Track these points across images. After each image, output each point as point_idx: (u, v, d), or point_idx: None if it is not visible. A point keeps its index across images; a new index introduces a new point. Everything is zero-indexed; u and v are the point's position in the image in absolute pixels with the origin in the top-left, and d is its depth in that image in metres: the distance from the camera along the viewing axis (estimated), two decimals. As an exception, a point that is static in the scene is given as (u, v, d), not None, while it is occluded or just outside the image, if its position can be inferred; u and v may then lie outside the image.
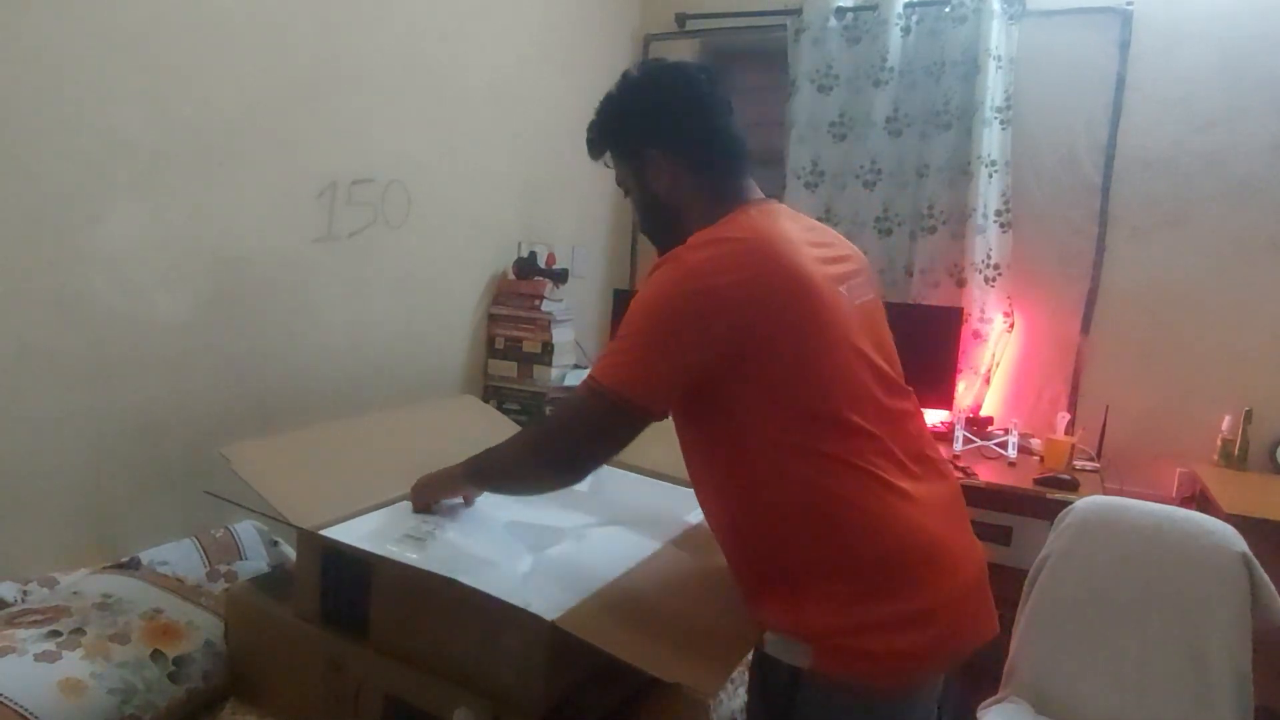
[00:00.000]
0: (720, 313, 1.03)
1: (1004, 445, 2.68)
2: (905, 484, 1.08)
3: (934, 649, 1.07)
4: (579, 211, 3.13)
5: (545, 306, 2.59)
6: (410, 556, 1.20)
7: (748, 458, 1.08)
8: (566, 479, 1.18)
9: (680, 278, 1.06)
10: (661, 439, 1.89)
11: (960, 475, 2.41)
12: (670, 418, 1.16)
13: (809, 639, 1.06)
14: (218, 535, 1.71)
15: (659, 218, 1.23)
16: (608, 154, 1.27)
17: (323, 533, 1.25)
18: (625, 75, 1.24)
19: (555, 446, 1.15)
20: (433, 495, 1.37)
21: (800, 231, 1.14)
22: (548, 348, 2.59)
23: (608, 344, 1.11)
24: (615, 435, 1.09)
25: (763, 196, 1.21)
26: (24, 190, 1.44)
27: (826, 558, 1.06)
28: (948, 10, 2.85)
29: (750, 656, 1.22)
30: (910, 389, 1.20)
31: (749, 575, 1.14)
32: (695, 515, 1.56)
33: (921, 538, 1.07)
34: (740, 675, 1.55)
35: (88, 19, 1.49)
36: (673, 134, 1.18)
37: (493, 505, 1.47)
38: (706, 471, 1.17)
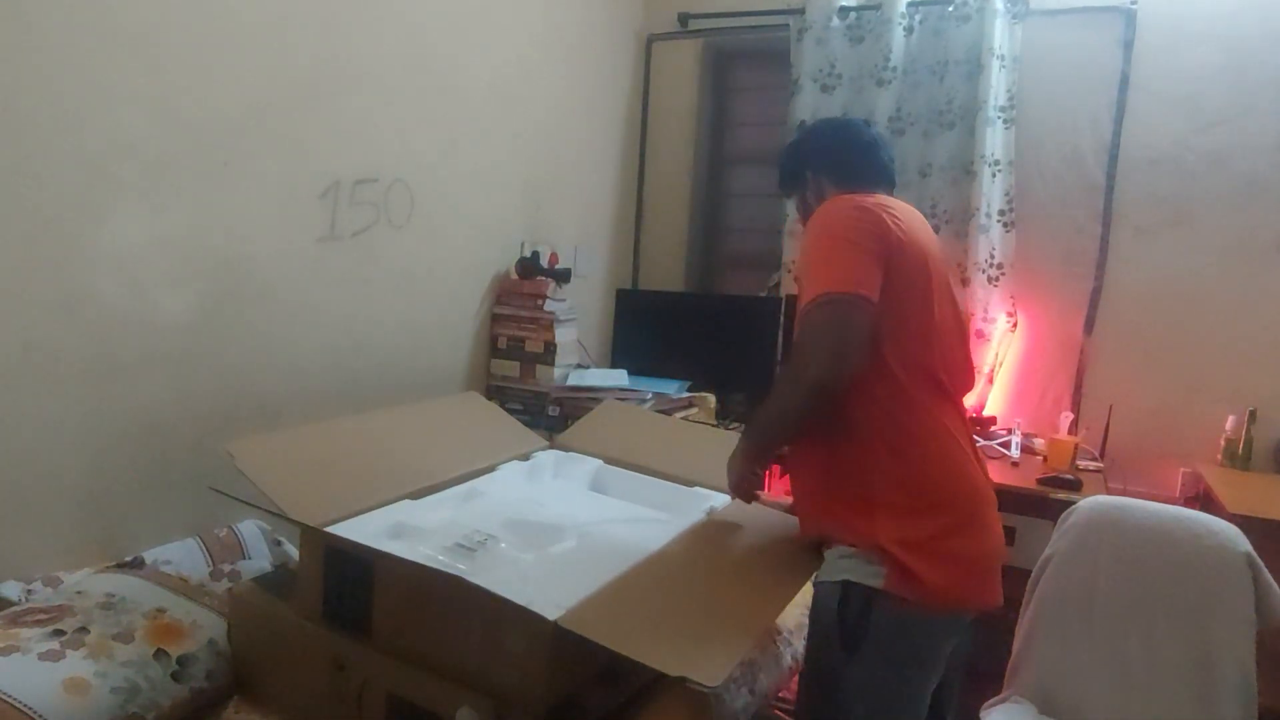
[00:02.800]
0: (879, 226, 1.28)
1: (1007, 445, 2.68)
2: (967, 447, 1.36)
3: (979, 559, 1.31)
4: (582, 211, 3.13)
5: (548, 306, 2.59)
6: (459, 567, 1.21)
7: (866, 374, 1.26)
8: (832, 388, 1.24)
9: (844, 204, 1.33)
10: (662, 439, 1.89)
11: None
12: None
13: (880, 555, 1.26)
14: (221, 535, 1.71)
15: (810, 210, 1.50)
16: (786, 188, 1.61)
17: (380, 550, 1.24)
18: (803, 126, 1.64)
19: (816, 361, 1.22)
20: (745, 482, 1.46)
21: (917, 217, 1.42)
22: (550, 347, 2.59)
23: (807, 271, 1.30)
24: (860, 329, 1.23)
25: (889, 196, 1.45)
26: (28, 191, 1.44)
27: (902, 476, 1.28)
28: (951, 9, 2.84)
29: (811, 593, 1.40)
30: (967, 341, 1.50)
31: (833, 490, 1.34)
32: (697, 514, 1.56)
33: (978, 482, 1.35)
34: (742, 674, 1.55)
35: (91, 20, 1.49)
36: (828, 156, 1.51)
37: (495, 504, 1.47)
38: None
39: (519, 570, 1.25)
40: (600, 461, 1.82)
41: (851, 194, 1.38)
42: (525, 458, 1.81)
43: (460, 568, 1.20)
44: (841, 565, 1.30)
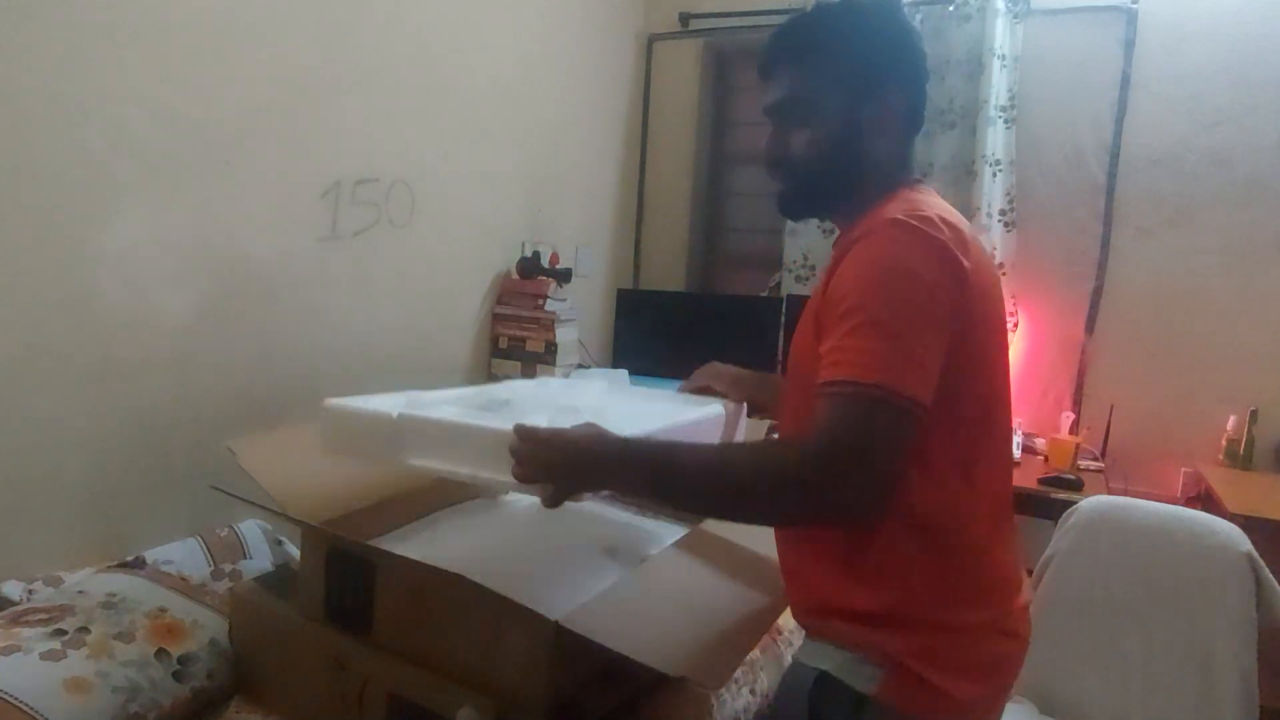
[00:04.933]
0: (961, 284, 0.92)
1: (1008, 445, 2.68)
2: (1008, 526, 1.05)
3: (1008, 661, 1.03)
4: (583, 211, 3.13)
5: (549, 306, 2.59)
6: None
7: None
8: (855, 520, 0.93)
9: (918, 237, 0.92)
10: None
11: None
12: (792, 392, 1.06)
13: (882, 657, 0.96)
14: (222, 534, 1.71)
15: (840, 164, 1.05)
16: (794, 67, 1.06)
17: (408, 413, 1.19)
18: (856, 4, 1.07)
19: (849, 481, 0.86)
20: (569, 483, 1.00)
21: (971, 229, 1.04)
22: (551, 347, 2.59)
23: (842, 340, 0.91)
24: (905, 451, 0.89)
25: (920, 178, 1.11)
26: (30, 191, 1.44)
27: (934, 577, 0.97)
28: (952, 9, 2.84)
29: (784, 673, 1.13)
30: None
31: (834, 587, 1.01)
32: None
33: (1016, 567, 1.06)
34: (743, 675, 1.55)
35: (93, 20, 1.49)
36: (913, 79, 1.06)
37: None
38: None
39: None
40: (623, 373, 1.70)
41: (902, 189, 1.03)
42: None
43: (492, 424, 1.05)
44: (823, 652, 1.01)
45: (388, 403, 1.26)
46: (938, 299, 0.91)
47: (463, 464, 1.07)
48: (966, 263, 0.93)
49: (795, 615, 1.09)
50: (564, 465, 0.98)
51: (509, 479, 0.99)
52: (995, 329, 1.01)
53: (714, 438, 1.28)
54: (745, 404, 1.37)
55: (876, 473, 0.87)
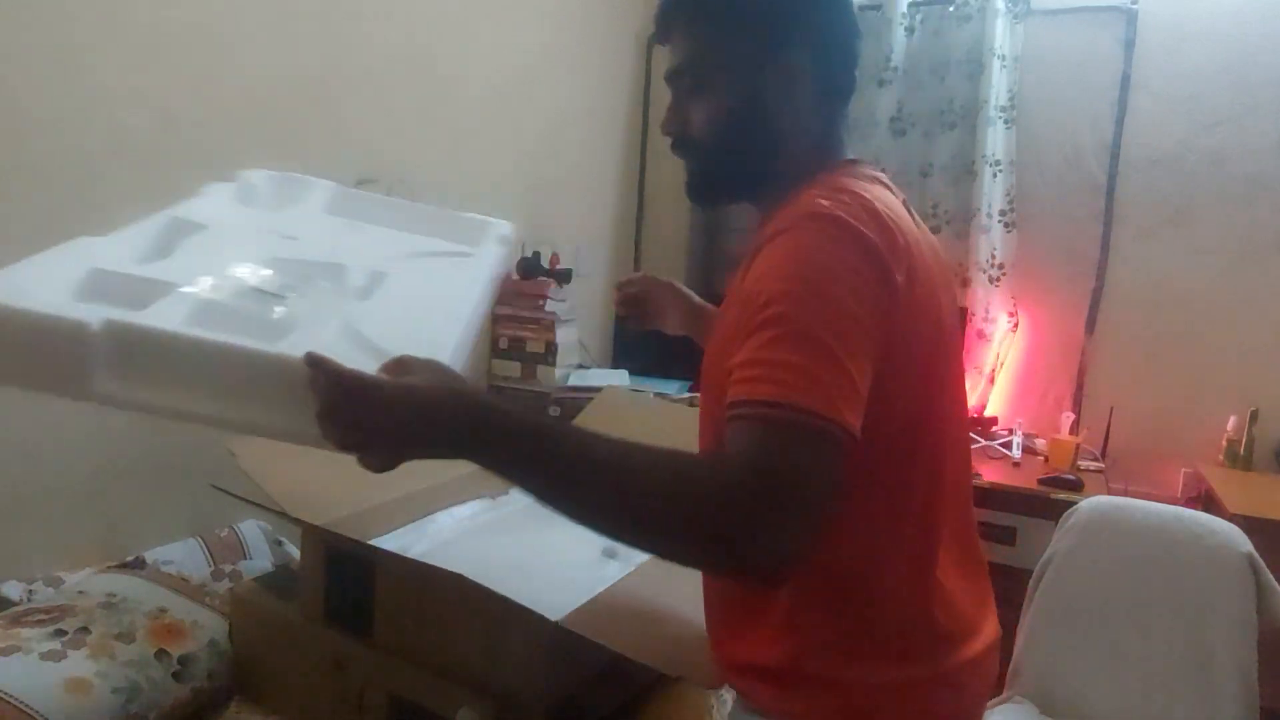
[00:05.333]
0: (888, 286, 0.76)
1: (1008, 445, 2.68)
2: (957, 568, 0.90)
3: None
4: (583, 211, 3.13)
5: (549, 306, 2.59)
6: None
7: None
8: (774, 576, 0.72)
9: (839, 231, 0.76)
10: (670, 427, 1.89)
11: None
12: (704, 396, 0.92)
13: (798, 709, 0.86)
14: (222, 535, 1.71)
15: (748, 142, 0.90)
16: (684, 35, 0.92)
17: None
18: None
19: (748, 510, 0.67)
20: (404, 452, 0.76)
21: (911, 222, 0.88)
22: (551, 348, 2.59)
23: (756, 353, 0.73)
24: (834, 487, 0.70)
25: (853, 157, 0.94)
26: (29, 190, 1.44)
27: (852, 628, 0.85)
28: (952, 9, 2.84)
29: None
30: (968, 435, 1.02)
31: (745, 639, 0.89)
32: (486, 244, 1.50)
33: (957, 622, 0.89)
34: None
35: (92, 21, 1.49)
36: (828, 44, 0.90)
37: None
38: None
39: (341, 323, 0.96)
40: (331, 185, 1.38)
41: (829, 171, 0.87)
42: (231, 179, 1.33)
43: (279, 348, 0.82)
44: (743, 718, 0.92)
45: (64, 284, 0.86)
46: (866, 307, 0.75)
47: (215, 400, 0.80)
48: (898, 274, 0.77)
49: (720, 666, 0.95)
50: (401, 432, 0.74)
51: (301, 426, 0.75)
52: (929, 342, 0.83)
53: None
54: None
55: (803, 518, 0.68)
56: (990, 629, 0.95)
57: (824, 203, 0.79)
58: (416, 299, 1.00)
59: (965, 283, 2.89)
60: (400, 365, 0.78)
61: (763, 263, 0.79)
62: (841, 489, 0.71)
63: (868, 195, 0.82)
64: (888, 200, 0.84)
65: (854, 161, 0.92)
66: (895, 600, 0.85)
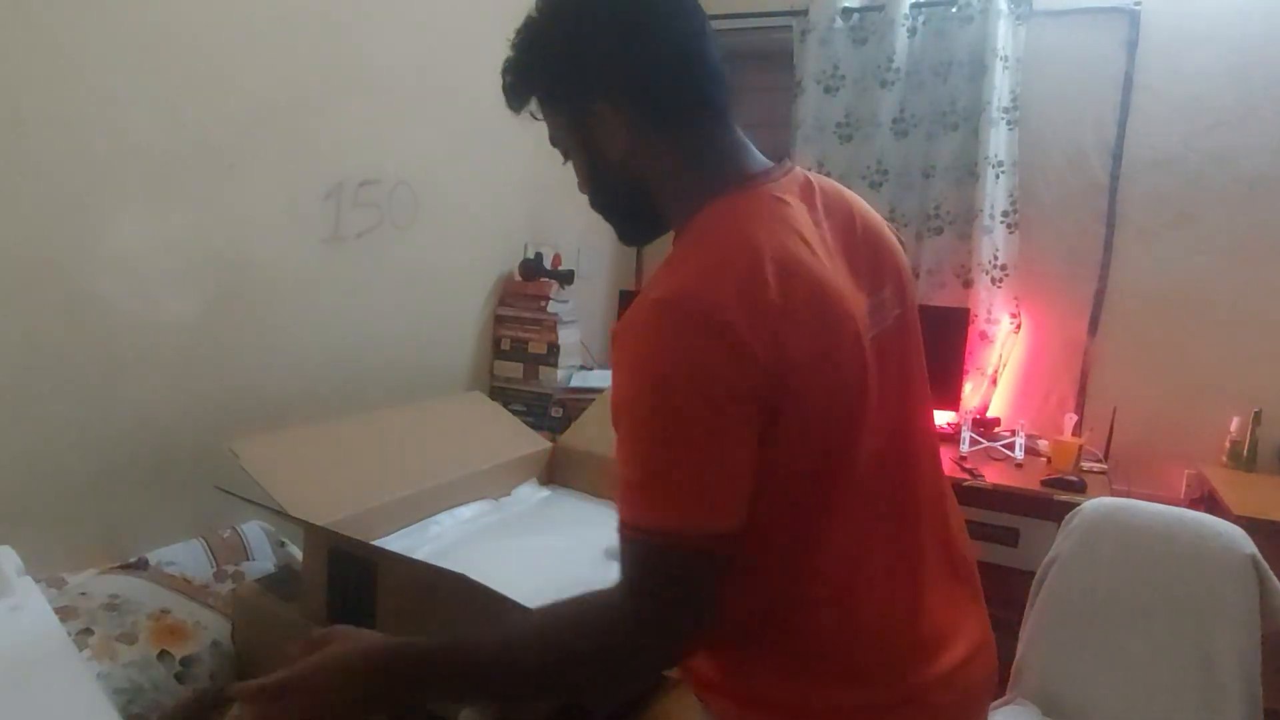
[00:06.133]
0: (747, 362, 0.73)
1: (1011, 446, 2.68)
2: (919, 582, 0.88)
3: None
4: (585, 212, 3.08)
5: (551, 307, 2.59)
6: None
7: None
8: (656, 669, 0.83)
9: (685, 324, 0.73)
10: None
11: (968, 477, 2.41)
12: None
13: None
14: (225, 536, 1.71)
15: (617, 192, 0.92)
16: (533, 103, 0.92)
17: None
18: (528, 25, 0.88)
19: (648, 639, 0.76)
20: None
21: (813, 230, 0.84)
22: (553, 349, 2.59)
23: (622, 472, 0.76)
24: (712, 589, 0.76)
25: (756, 165, 0.89)
26: (34, 192, 1.44)
27: (797, 649, 0.84)
28: (954, 10, 2.84)
29: None
30: (935, 443, 1.00)
31: (698, 661, 0.90)
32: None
33: (919, 642, 0.87)
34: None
35: (97, 22, 1.50)
36: (631, 80, 0.84)
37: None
38: None
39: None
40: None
41: (712, 199, 0.83)
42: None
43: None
44: None
45: None
46: (723, 393, 0.72)
47: None
48: (744, 329, 0.72)
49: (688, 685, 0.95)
50: (329, 700, 0.80)
51: None
52: (831, 384, 0.79)
53: None
54: None
55: (681, 621, 0.76)
56: (971, 635, 0.92)
57: (671, 283, 0.76)
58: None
59: (968, 284, 2.88)
60: (310, 643, 0.84)
61: (615, 375, 0.78)
62: (717, 587, 0.75)
63: (735, 242, 0.78)
64: (768, 235, 0.79)
65: (751, 180, 0.86)
66: (831, 632, 0.83)
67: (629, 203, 0.92)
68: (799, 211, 0.85)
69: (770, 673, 0.84)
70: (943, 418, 2.77)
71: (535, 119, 0.94)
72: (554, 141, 0.95)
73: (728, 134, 0.89)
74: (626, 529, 0.75)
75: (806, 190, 0.89)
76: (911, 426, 0.91)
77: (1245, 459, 2.55)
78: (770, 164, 0.90)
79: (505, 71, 0.91)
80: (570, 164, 0.96)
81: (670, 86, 0.85)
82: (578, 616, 0.79)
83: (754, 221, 0.81)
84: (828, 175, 3.08)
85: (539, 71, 0.88)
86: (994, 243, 2.83)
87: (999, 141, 2.78)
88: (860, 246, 0.89)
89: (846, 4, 2.99)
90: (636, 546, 0.75)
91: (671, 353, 0.73)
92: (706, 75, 0.86)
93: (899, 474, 0.89)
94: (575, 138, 0.90)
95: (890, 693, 0.84)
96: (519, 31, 0.89)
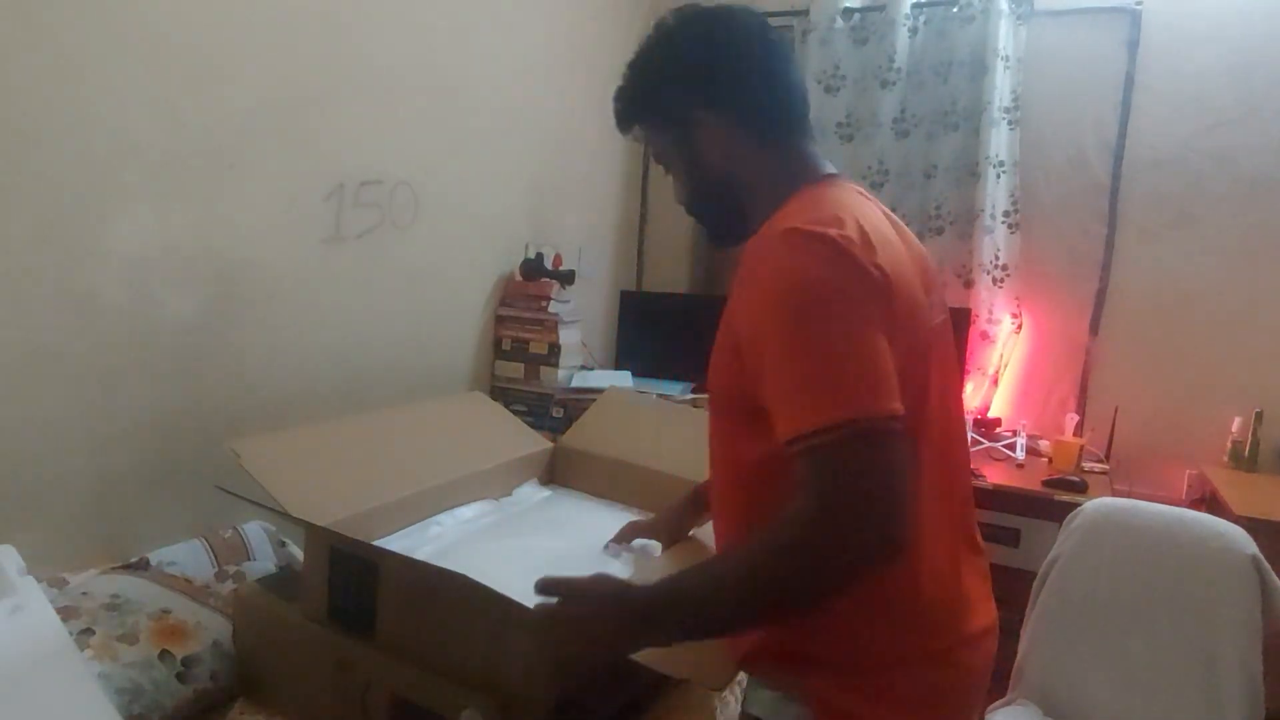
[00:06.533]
0: (870, 281, 0.84)
1: (1012, 447, 2.67)
2: (954, 551, 0.97)
3: (948, 696, 0.96)
4: (586, 213, 3.13)
5: (552, 308, 2.59)
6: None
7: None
8: (891, 559, 0.80)
9: (819, 243, 0.84)
10: (669, 432, 1.89)
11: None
12: (712, 414, 1.04)
13: (807, 697, 0.92)
14: (226, 536, 1.71)
15: (715, 196, 1.05)
16: (636, 127, 1.09)
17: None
18: (660, 24, 1.06)
19: (833, 534, 0.78)
20: (604, 656, 0.92)
21: (891, 228, 0.97)
22: (554, 349, 2.59)
23: (787, 370, 0.82)
24: (896, 465, 0.79)
25: (835, 171, 1.03)
26: (35, 192, 1.44)
27: (849, 610, 0.88)
28: (955, 10, 2.84)
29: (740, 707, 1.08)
30: (965, 434, 1.08)
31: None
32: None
33: (956, 601, 0.96)
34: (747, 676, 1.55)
35: (98, 22, 1.50)
36: (730, 91, 1.00)
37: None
38: (740, 471, 1.02)
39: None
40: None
41: (796, 193, 0.96)
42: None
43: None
44: (757, 697, 0.99)
45: None
46: (859, 300, 0.83)
47: None
48: (873, 269, 0.85)
49: (733, 657, 1.02)
50: (596, 642, 0.89)
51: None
52: (907, 347, 0.88)
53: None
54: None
55: (887, 512, 0.78)
56: (987, 613, 1.01)
57: (795, 222, 0.88)
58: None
59: (969, 284, 2.88)
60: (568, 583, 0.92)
61: (752, 292, 0.88)
62: (910, 466, 0.81)
63: (838, 203, 0.91)
64: (863, 211, 0.92)
65: (832, 176, 1.01)
66: (895, 579, 0.87)
67: (724, 204, 1.05)
68: (876, 205, 0.99)
69: (824, 632, 0.91)
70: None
71: (637, 141, 1.12)
72: (658, 157, 1.10)
73: (809, 143, 1.04)
74: (803, 439, 0.79)
75: (872, 198, 1.02)
76: (957, 413, 1.03)
77: (1246, 459, 2.55)
78: (837, 171, 1.03)
79: (618, 97, 1.08)
80: (671, 178, 1.10)
81: (765, 99, 1.00)
82: (770, 540, 0.82)
83: (846, 197, 0.95)
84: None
85: (655, 90, 1.04)
86: (995, 243, 2.82)
87: (1000, 141, 2.78)
88: (913, 249, 1.00)
89: (847, 4, 2.99)
90: (822, 452, 0.78)
91: (807, 267, 0.84)
92: (792, 92, 1.02)
93: (949, 451, 0.98)
94: (681, 149, 1.04)
95: (932, 643, 0.93)
96: (635, 59, 1.07)
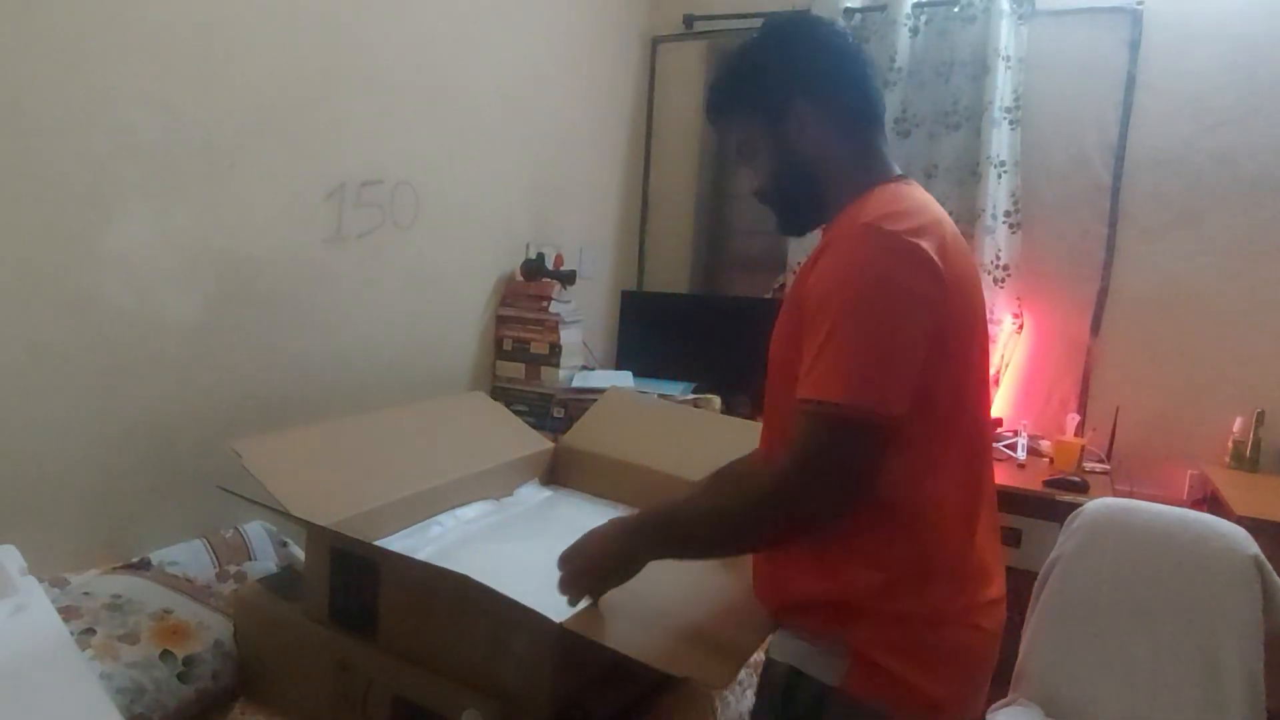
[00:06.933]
0: (935, 286, 0.94)
1: (1013, 447, 2.67)
2: (980, 520, 1.06)
3: (971, 655, 1.04)
4: (587, 213, 3.13)
5: (553, 308, 2.59)
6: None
7: None
8: (809, 529, 0.99)
9: (893, 242, 0.94)
10: (670, 431, 1.89)
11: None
12: (769, 383, 1.12)
13: (844, 648, 0.99)
14: (227, 536, 1.71)
15: (796, 182, 1.12)
16: (726, 117, 1.18)
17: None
18: (767, 23, 1.15)
19: (793, 495, 0.94)
20: (603, 577, 1.08)
21: (960, 237, 1.07)
22: (555, 349, 2.59)
23: (829, 339, 0.93)
24: (876, 462, 0.93)
25: (901, 173, 1.12)
26: (36, 192, 1.45)
27: (888, 561, 0.99)
28: (956, 10, 2.84)
29: (761, 669, 1.15)
30: (989, 423, 1.16)
31: (792, 573, 1.06)
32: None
33: (981, 566, 1.06)
34: (748, 677, 1.55)
35: (99, 22, 1.50)
36: (825, 84, 1.09)
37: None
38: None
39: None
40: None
41: (872, 188, 1.05)
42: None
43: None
44: (791, 648, 1.06)
45: None
46: (916, 304, 0.94)
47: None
48: (942, 265, 0.95)
49: (767, 610, 1.11)
50: (597, 572, 1.07)
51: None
52: (968, 326, 1.02)
53: None
54: None
55: (842, 489, 0.93)
56: (1000, 584, 1.10)
57: (872, 218, 0.97)
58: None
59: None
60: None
61: (824, 270, 0.98)
62: (881, 459, 0.93)
63: (912, 202, 1.01)
64: (934, 211, 1.03)
65: (902, 177, 1.10)
66: (938, 539, 1.01)
67: (802, 191, 1.12)
68: (932, 200, 1.08)
69: (881, 579, 0.99)
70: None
71: (717, 130, 1.21)
72: (741, 147, 1.16)
73: (884, 143, 1.12)
74: (810, 403, 0.93)
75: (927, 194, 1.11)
76: (989, 404, 1.14)
77: (1248, 459, 2.55)
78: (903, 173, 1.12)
79: (720, 82, 1.16)
80: (748, 169, 1.17)
81: (854, 97, 1.10)
82: (748, 482, 1.03)
83: (920, 194, 1.06)
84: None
85: (760, 77, 1.11)
86: (996, 243, 2.82)
87: (1001, 141, 2.78)
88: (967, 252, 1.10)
89: (848, 4, 2.99)
90: (822, 419, 0.92)
91: (875, 264, 0.94)
92: (874, 94, 1.11)
93: (982, 435, 1.09)
94: (772, 135, 1.11)
95: (962, 604, 1.02)
96: (738, 50, 1.15)
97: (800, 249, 3.13)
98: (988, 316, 2.82)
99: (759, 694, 1.16)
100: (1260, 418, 2.55)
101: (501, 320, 2.67)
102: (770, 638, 1.11)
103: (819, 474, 0.92)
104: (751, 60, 1.13)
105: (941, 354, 0.96)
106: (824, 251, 1.00)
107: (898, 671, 0.97)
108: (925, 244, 0.94)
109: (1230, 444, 2.59)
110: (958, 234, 1.05)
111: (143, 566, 1.53)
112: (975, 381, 1.05)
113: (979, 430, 1.08)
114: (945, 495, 1.01)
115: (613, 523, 1.09)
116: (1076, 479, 2.40)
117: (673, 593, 1.23)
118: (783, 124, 1.10)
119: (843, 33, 1.14)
